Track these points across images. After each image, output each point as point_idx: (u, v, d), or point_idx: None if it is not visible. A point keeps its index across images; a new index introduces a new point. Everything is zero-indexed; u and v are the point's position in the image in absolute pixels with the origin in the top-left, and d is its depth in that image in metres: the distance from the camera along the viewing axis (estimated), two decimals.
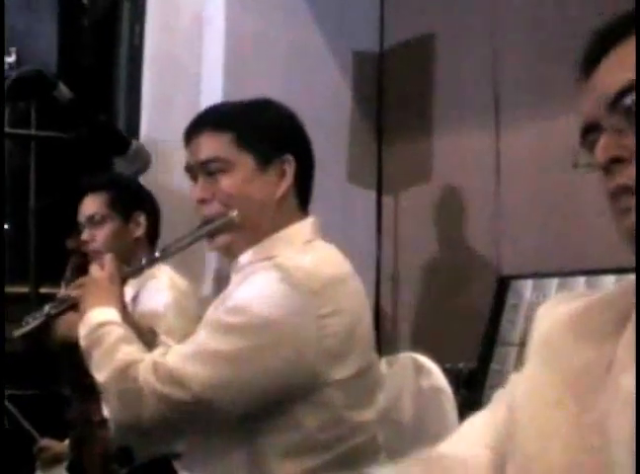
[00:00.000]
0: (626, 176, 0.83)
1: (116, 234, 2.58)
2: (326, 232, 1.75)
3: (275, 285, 1.52)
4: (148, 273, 2.43)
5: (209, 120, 1.70)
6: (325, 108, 3.46)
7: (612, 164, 0.84)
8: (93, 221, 2.59)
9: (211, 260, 3.21)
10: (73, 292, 1.80)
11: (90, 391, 1.68)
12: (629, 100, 0.84)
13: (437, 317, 3.34)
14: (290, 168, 1.68)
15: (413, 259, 3.46)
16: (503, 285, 2.82)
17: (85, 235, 2.58)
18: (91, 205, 2.60)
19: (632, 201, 0.83)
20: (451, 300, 3.27)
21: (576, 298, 0.96)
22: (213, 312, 1.63)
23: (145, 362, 1.55)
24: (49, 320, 1.83)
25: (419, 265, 3.42)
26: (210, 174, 1.67)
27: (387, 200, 3.56)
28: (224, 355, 1.51)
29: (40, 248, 2.46)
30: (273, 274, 1.53)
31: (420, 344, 2.96)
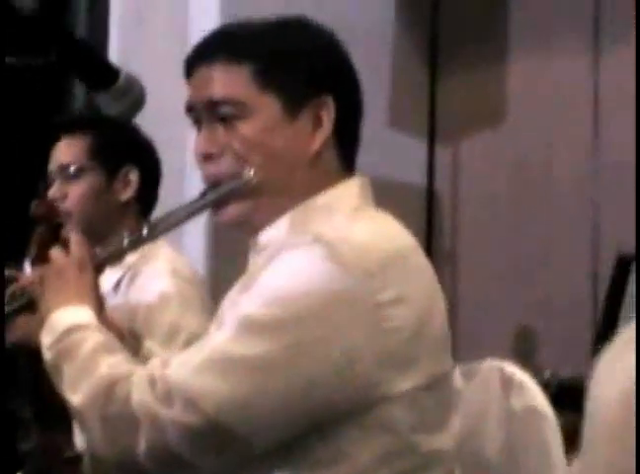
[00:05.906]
0: None
1: (95, 193, 2.53)
2: None
3: (316, 266, 1.51)
4: (139, 253, 2.38)
5: (222, 46, 1.68)
6: (360, 31, 3.41)
7: None
8: (66, 173, 2.53)
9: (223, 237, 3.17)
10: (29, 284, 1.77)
11: (59, 416, 1.64)
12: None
13: (515, 310, 3.31)
14: (329, 113, 1.65)
15: (479, 231, 3.42)
16: (623, 267, 2.76)
17: (54, 191, 2.54)
18: (65, 152, 2.55)
19: None
20: (545, 287, 3.22)
21: None
22: (232, 306, 1.60)
23: (138, 378, 1.53)
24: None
25: (487, 240, 3.39)
26: (220, 120, 1.65)
27: (442, 152, 3.54)
28: (251, 362, 1.49)
29: None
30: (312, 250, 1.52)
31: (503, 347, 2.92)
